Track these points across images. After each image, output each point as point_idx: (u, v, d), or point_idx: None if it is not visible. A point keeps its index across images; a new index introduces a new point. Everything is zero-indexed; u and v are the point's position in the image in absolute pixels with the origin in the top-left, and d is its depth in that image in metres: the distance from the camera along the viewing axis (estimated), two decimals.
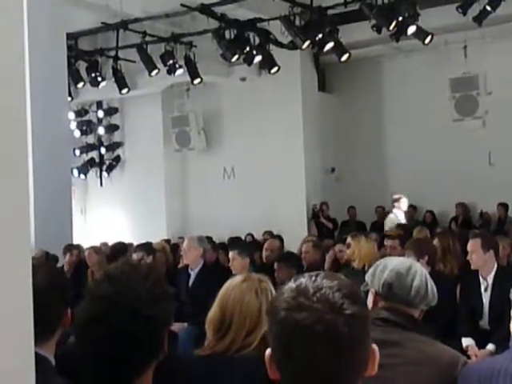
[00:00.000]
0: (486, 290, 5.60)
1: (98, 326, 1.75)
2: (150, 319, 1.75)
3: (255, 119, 13.91)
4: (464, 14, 9.88)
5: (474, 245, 5.55)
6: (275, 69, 11.85)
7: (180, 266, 7.85)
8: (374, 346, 1.49)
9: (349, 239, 6.50)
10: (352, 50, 11.30)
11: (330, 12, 10.60)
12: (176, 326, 6.21)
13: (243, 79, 13.93)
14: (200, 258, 6.91)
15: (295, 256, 7.18)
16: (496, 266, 5.60)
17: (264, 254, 7.84)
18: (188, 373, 2.72)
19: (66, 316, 2.35)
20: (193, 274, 6.87)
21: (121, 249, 8.55)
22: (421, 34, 10.40)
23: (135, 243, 11.19)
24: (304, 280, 1.47)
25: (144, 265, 1.97)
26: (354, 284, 1.50)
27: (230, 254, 6.57)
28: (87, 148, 15.78)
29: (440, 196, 13.24)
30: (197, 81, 12.43)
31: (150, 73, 12.16)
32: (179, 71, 12.20)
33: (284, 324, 1.42)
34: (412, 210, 13.89)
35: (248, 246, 8.86)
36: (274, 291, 2.75)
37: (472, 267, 5.63)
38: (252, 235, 12.61)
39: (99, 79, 12.93)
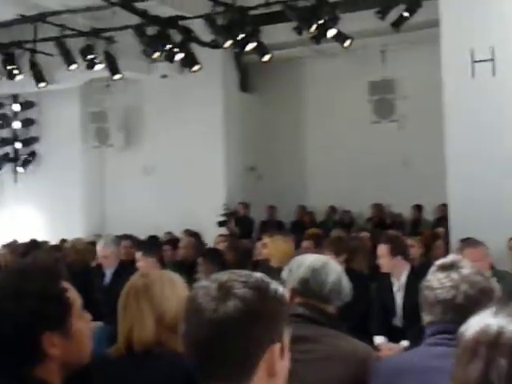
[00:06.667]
0: (398, 290, 5.75)
1: None
2: (3, 314, 1.73)
3: (176, 117, 13.84)
4: (382, 19, 10.09)
5: (382, 250, 5.71)
6: (197, 67, 11.81)
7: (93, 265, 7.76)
8: (274, 349, 1.48)
9: (265, 239, 6.53)
10: (274, 51, 11.38)
11: (252, 12, 10.65)
12: (91, 325, 6.11)
13: (164, 76, 13.83)
14: (116, 257, 6.87)
15: (219, 252, 7.22)
16: (409, 267, 5.76)
17: (180, 252, 7.88)
18: (99, 374, 2.68)
19: None
20: (108, 273, 6.80)
21: (32, 246, 8.37)
22: (340, 37, 10.58)
23: (50, 241, 11.05)
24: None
25: (32, 262, 1.93)
26: (269, 282, 1.53)
27: (136, 254, 6.54)
28: (2, 143, 15.34)
29: (357, 196, 13.49)
30: (117, 76, 12.26)
31: (68, 67, 11.93)
32: (99, 66, 12.00)
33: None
34: (331, 210, 14.13)
35: (155, 244, 8.83)
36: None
37: (381, 270, 5.79)
38: (171, 233, 12.53)
39: (15, 72, 12.59)
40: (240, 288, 1.47)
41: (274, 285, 1.54)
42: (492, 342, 1.40)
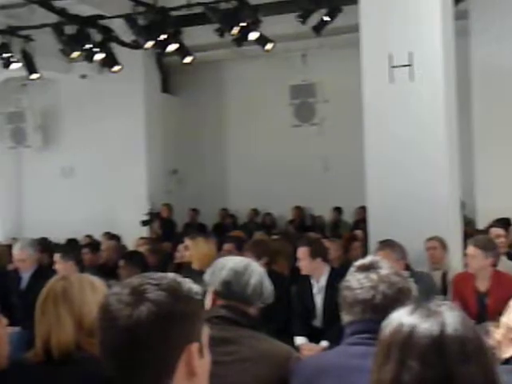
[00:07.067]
0: (318, 292, 5.83)
1: None
2: None
3: (96, 118, 13.61)
4: (303, 23, 10.19)
5: (302, 253, 5.78)
6: (117, 67, 11.65)
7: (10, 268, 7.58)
8: (192, 348, 1.48)
9: (187, 241, 6.51)
10: (196, 53, 11.35)
11: (173, 13, 10.58)
12: (8, 330, 5.95)
13: (83, 76, 13.60)
14: (33, 261, 6.72)
15: (140, 255, 7.16)
16: (329, 269, 5.84)
17: (102, 255, 7.81)
18: (16, 379, 2.62)
19: None
20: (25, 277, 6.64)
21: None
22: (262, 40, 10.64)
23: None
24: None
25: None
26: (182, 283, 1.52)
27: (54, 257, 6.46)
28: None
29: (278, 199, 13.60)
30: (34, 76, 11.96)
31: None
32: (16, 65, 11.68)
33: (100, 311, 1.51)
34: (253, 212, 14.19)
35: (73, 248, 8.73)
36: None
37: (302, 273, 5.86)
38: (91, 236, 12.32)
39: None
40: (153, 291, 1.45)
41: (188, 284, 1.53)
42: (404, 343, 1.42)
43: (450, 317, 1.46)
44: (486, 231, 7.15)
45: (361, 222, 10.88)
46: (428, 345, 1.41)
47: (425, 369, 1.39)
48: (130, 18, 10.29)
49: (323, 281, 5.79)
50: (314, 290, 5.85)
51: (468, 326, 1.47)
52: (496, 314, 2.66)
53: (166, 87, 14.61)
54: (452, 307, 1.51)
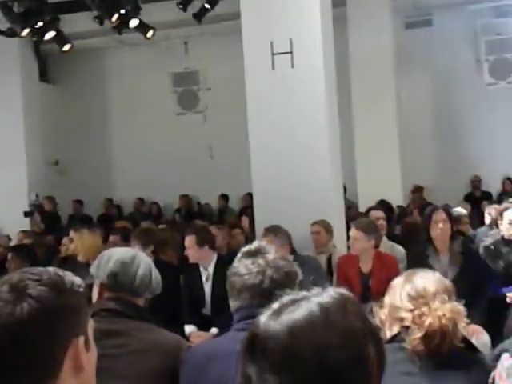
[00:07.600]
0: (207, 279, 5.85)
1: None
2: None
3: None
4: (184, 10, 10.15)
5: (189, 241, 5.77)
6: None
7: None
8: (78, 342, 1.44)
9: (71, 233, 6.39)
10: (76, 41, 11.10)
11: (51, 0, 10.28)
12: None
13: None
14: None
15: (28, 247, 6.97)
16: (216, 256, 5.87)
17: None
18: None
19: None
20: None
21: None
22: (143, 27, 10.52)
23: None
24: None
25: None
26: (64, 276, 1.47)
27: None
28: None
29: (165, 188, 13.53)
30: None
31: None
32: None
33: None
34: (139, 202, 14.06)
35: None
36: None
37: (190, 261, 5.87)
38: None
39: None
40: (33, 287, 1.41)
41: (71, 278, 1.50)
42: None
43: (285, 318, 1.29)
44: (366, 214, 7.36)
45: (247, 208, 10.97)
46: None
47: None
48: (4, 5, 9.92)
49: (211, 269, 5.81)
50: (203, 278, 5.86)
51: (305, 330, 1.26)
52: (379, 294, 2.74)
53: (44, 76, 14.19)
54: (310, 306, 1.31)
